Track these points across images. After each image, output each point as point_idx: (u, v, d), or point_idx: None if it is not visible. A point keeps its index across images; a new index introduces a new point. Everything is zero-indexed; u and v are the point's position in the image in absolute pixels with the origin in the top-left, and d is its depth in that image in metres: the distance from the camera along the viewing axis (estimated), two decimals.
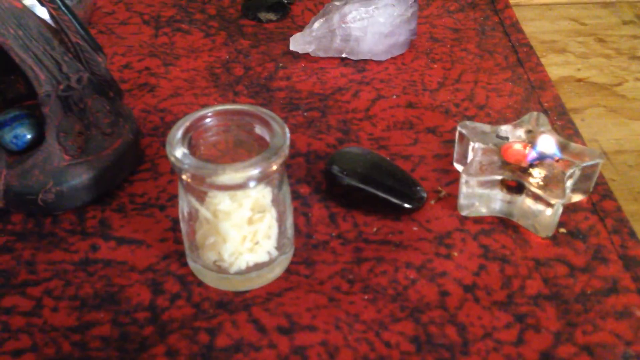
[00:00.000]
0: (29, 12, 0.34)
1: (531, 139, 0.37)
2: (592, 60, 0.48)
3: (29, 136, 0.36)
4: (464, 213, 0.37)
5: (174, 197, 0.37)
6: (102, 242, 0.35)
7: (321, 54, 0.49)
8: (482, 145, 0.37)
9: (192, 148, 0.31)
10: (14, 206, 0.36)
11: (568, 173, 0.35)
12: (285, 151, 0.30)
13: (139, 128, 0.40)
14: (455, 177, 0.38)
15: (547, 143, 0.36)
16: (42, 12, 0.36)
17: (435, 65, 0.48)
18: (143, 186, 0.38)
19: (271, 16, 0.53)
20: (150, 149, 0.41)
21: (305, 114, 0.44)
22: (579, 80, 0.47)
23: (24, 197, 0.35)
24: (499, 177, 0.35)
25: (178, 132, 0.30)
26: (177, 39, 0.51)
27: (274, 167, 0.30)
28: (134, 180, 0.38)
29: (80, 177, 0.35)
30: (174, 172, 0.38)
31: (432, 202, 0.37)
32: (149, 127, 0.42)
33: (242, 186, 0.29)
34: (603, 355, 0.29)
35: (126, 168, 0.38)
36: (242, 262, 0.32)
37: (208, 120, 0.31)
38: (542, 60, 0.48)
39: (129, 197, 0.37)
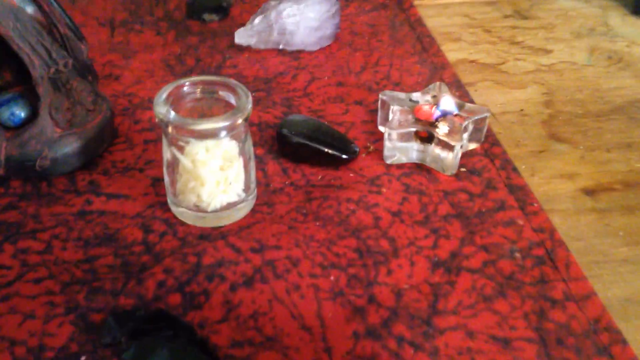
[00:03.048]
0: (22, 9, 0.40)
1: (436, 101, 0.47)
2: (481, 46, 0.60)
3: (23, 114, 0.42)
4: (388, 161, 0.46)
5: (149, 162, 0.44)
6: (94, 197, 0.41)
7: (261, 46, 0.57)
8: (399, 107, 0.46)
9: (174, 109, 0.38)
10: (14, 173, 0.41)
11: (464, 124, 0.45)
12: (248, 109, 0.38)
13: (113, 107, 0.47)
14: (380, 137, 0.48)
15: (448, 103, 0.46)
16: (30, 9, 0.42)
17: (357, 54, 0.58)
18: (121, 155, 0.45)
19: (213, 17, 0.61)
20: (123, 126, 0.48)
21: (253, 94, 0.52)
22: (472, 61, 0.58)
23: (24, 164, 0.41)
24: (413, 129, 0.45)
25: (162, 95, 0.37)
26: (132, 37, 0.58)
27: (239, 121, 0.38)
28: (113, 150, 0.45)
29: (71, 145, 0.42)
30: (151, 142, 0.45)
31: (364, 155, 0.47)
32: (119, 108, 0.49)
33: (215, 135, 0.37)
34: (495, 251, 0.39)
35: (106, 139, 0.45)
36: (217, 202, 0.40)
37: (185, 88, 0.39)
38: (442, 48, 0.59)
39: (111, 163, 0.44)
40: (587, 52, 0.59)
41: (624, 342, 0.33)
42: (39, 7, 0.41)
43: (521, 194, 0.43)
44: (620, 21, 0.63)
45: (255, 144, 0.46)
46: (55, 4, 0.40)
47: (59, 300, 0.35)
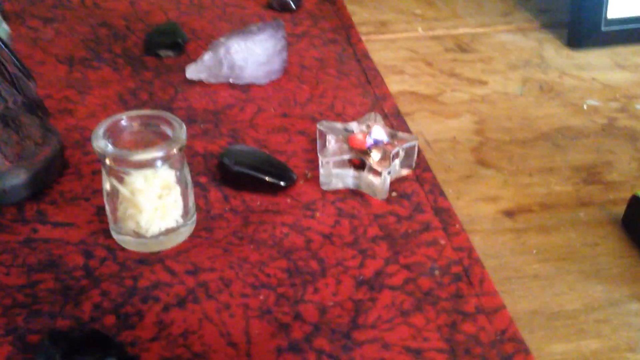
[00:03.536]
0: None
1: (369, 131, 0.50)
2: (422, 78, 0.63)
3: None
4: (324, 188, 0.49)
5: (95, 191, 0.47)
6: (40, 226, 0.44)
7: (212, 80, 0.60)
8: (334, 137, 0.49)
9: (113, 142, 0.41)
10: None
11: (394, 152, 0.48)
12: (183, 139, 0.41)
13: (63, 140, 0.50)
14: (318, 164, 0.51)
15: (379, 132, 0.49)
16: None
17: (304, 86, 0.61)
18: (70, 185, 0.47)
19: (169, 53, 0.64)
20: (73, 158, 0.50)
21: (202, 126, 0.55)
22: (412, 93, 0.61)
23: None
24: (347, 157, 0.48)
25: (100, 129, 0.40)
26: (89, 73, 0.61)
27: (175, 151, 0.40)
28: (62, 181, 0.48)
29: (19, 177, 0.44)
30: (99, 172, 0.48)
31: (301, 182, 0.49)
32: (71, 141, 0.52)
33: (152, 165, 0.40)
34: (417, 270, 0.42)
35: (55, 171, 0.47)
36: (155, 228, 0.42)
37: (122, 122, 0.42)
38: (385, 80, 0.62)
39: (59, 193, 0.46)
40: (520, 83, 0.62)
41: (526, 351, 0.35)
42: None
43: (445, 216, 0.46)
44: (555, 53, 0.68)
45: (199, 173, 0.49)
46: (3, 46, 0.43)
47: None
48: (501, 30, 0.72)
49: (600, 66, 0.65)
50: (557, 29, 0.71)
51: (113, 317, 0.37)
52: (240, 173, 0.48)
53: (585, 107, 0.59)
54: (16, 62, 0.44)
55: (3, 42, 0.44)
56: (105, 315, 0.37)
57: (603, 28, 0.66)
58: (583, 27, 0.66)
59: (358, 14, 0.75)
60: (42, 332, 0.36)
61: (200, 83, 0.60)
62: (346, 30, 0.70)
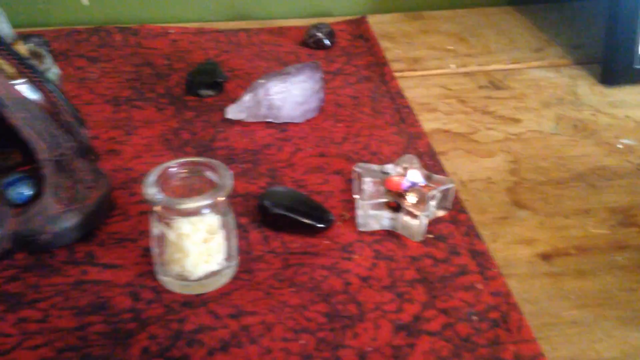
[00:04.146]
0: (31, 100, 0.46)
1: (406, 173, 0.51)
2: (455, 116, 0.64)
3: (29, 192, 0.47)
4: (361, 229, 0.50)
5: (141, 232, 0.49)
6: (90, 268, 0.46)
7: (251, 120, 0.62)
8: (371, 179, 0.51)
9: (162, 188, 0.43)
10: (19, 246, 0.46)
11: (430, 194, 0.49)
12: (229, 187, 0.42)
13: (111, 183, 0.52)
14: (355, 205, 0.52)
15: (415, 175, 0.50)
16: (38, 97, 0.48)
17: (340, 124, 0.63)
18: (117, 226, 0.49)
19: (209, 92, 0.67)
20: (121, 199, 0.52)
21: (241, 165, 0.57)
22: (445, 131, 0.62)
23: (28, 238, 0.45)
24: (384, 200, 0.49)
25: (151, 177, 0.42)
26: (134, 113, 0.63)
27: (221, 199, 0.42)
28: (110, 222, 0.50)
29: (71, 220, 0.46)
30: (145, 213, 0.50)
31: (339, 223, 0.50)
32: (118, 182, 0.54)
33: (198, 213, 0.42)
34: (455, 315, 0.42)
35: (104, 213, 0.49)
36: (200, 271, 0.44)
37: (172, 169, 0.43)
38: (419, 118, 0.63)
39: (107, 235, 0.49)
40: (554, 121, 0.63)
41: None
42: (47, 98, 0.47)
43: (482, 259, 0.47)
44: (588, 90, 0.68)
45: (239, 214, 0.51)
46: (60, 96, 0.46)
47: None
48: (534, 66, 0.73)
49: (634, 104, 0.65)
50: (591, 66, 0.72)
51: None
52: (280, 215, 0.49)
53: (620, 146, 0.59)
54: (71, 111, 0.47)
55: (59, 92, 0.46)
56: (153, 359, 0.39)
57: (636, 65, 0.66)
58: (616, 64, 0.67)
59: (391, 50, 0.76)
60: None
61: (239, 122, 0.62)
62: (380, 68, 0.72)
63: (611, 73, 0.67)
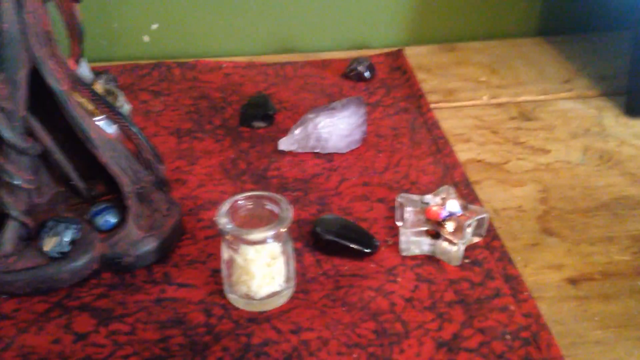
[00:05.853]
0: (116, 141, 0.53)
1: (444, 203, 0.57)
2: (488, 146, 0.69)
3: (113, 220, 0.54)
4: (403, 254, 0.56)
5: (210, 255, 0.55)
6: (167, 287, 0.52)
7: (300, 151, 0.68)
8: (412, 209, 0.56)
9: (231, 218, 0.49)
10: (106, 267, 0.53)
11: (467, 223, 0.54)
12: (289, 220, 0.48)
13: (182, 210, 0.59)
14: (397, 231, 0.57)
15: (453, 205, 0.56)
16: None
17: (381, 155, 0.68)
18: (188, 249, 0.56)
19: (261, 124, 0.73)
20: (189, 224, 0.59)
21: (293, 193, 0.63)
22: (479, 161, 0.67)
23: (113, 260, 0.52)
24: (424, 229, 0.55)
25: (223, 209, 0.49)
26: (195, 144, 0.70)
27: (282, 230, 0.48)
28: (182, 246, 0.56)
29: (150, 245, 0.53)
30: (210, 237, 0.56)
31: (383, 248, 0.56)
32: (186, 209, 0.60)
33: (263, 242, 0.48)
34: (490, 333, 0.48)
35: (176, 238, 0.56)
36: (263, 292, 0.50)
37: (240, 201, 0.50)
38: (454, 148, 0.69)
39: (180, 257, 0.55)
40: (581, 151, 0.68)
41: None
42: (128, 137, 0.54)
43: (514, 283, 0.52)
44: (614, 121, 0.72)
45: (294, 239, 0.57)
46: (142, 137, 0.53)
47: None
48: (562, 97, 0.77)
49: None
50: (617, 97, 0.76)
51: None
52: (330, 241, 0.55)
53: None
54: (150, 148, 0.54)
55: (140, 132, 0.53)
56: None
57: None
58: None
59: (426, 82, 0.82)
60: None
61: (289, 152, 0.68)
62: (417, 99, 0.77)
63: (635, 105, 0.72)
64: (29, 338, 0.48)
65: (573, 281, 0.52)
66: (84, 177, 0.55)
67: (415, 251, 0.55)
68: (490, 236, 0.57)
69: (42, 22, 0.46)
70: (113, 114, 0.53)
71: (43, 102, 0.50)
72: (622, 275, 0.52)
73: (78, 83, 0.50)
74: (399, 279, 0.53)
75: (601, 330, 0.48)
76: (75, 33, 0.51)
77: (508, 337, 0.47)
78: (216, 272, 0.53)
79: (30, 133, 0.51)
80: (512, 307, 0.50)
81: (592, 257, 0.54)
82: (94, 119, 0.54)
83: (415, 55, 0.88)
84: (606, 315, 0.49)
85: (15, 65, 0.46)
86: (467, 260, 0.54)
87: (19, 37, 0.45)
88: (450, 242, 0.54)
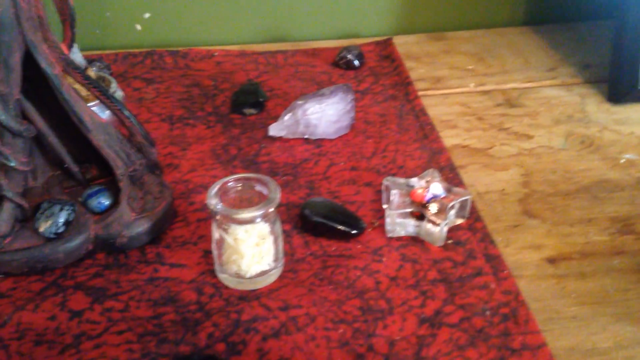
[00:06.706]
0: (109, 124, 0.54)
1: (428, 186, 0.59)
2: (474, 132, 0.71)
3: (107, 202, 0.55)
4: (389, 235, 0.57)
5: (201, 237, 0.57)
6: (160, 266, 0.54)
7: (290, 137, 0.70)
8: (398, 191, 0.58)
9: (221, 199, 0.51)
10: (100, 248, 0.54)
11: (449, 205, 0.56)
12: (277, 200, 0.50)
13: (173, 193, 0.60)
14: (384, 214, 0.59)
15: (437, 188, 0.57)
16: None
17: (369, 140, 0.70)
18: (180, 231, 0.58)
19: (252, 111, 0.75)
20: (181, 207, 0.60)
21: (282, 178, 0.64)
22: (464, 146, 0.69)
23: (107, 241, 0.54)
24: (409, 210, 0.56)
25: (213, 190, 0.50)
26: (187, 130, 0.71)
27: (271, 210, 0.50)
28: (174, 228, 0.58)
29: (143, 226, 0.55)
30: (202, 220, 0.58)
31: (370, 229, 0.58)
32: (178, 193, 0.62)
33: (252, 221, 0.50)
34: (470, 310, 0.50)
35: (169, 220, 0.57)
36: (253, 271, 0.51)
37: (230, 183, 0.51)
38: (441, 134, 0.70)
39: (172, 238, 0.57)
40: (563, 137, 0.69)
41: None
42: (121, 121, 0.55)
43: (495, 263, 0.54)
44: (596, 108, 0.74)
45: (283, 221, 0.58)
46: (134, 121, 0.54)
47: (135, 347, 0.47)
48: (547, 85, 0.79)
49: (638, 121, 0.71)
50: (600, 85, 0.78)
51: (223, 344, 0.47)
52: (318, 222, 0.57)
53: (622, 160, 0.65)
54: (142, 132, 0.55)
55: (133, 116, 0.54)
56: (217, 343, 0.47)
57: None
58: (621, 84, 0.73)
59: (415, 70, 0.83)
60: (169, 356, 0.46)
61: (279, 138, 0.70)
62: (405, 87, 0.79)
63: (617, 92, 0.74)
64: (26, 315, 0.49)
65: (552, 260, 0.54)
66: (78, 161, 0.57)
67: (401, 233, 0.57)
68: (473, 218, 0.58)
69: (35, 6, 0.47)
70: (105, 97, 0.54)
71: (37, 86, 0.51)
72: (600, 254, 0.54)
73: (71, 67, 0.52)
74: (384, 259, 0.55)
75: (577, 306, 0.50)
76: (67, 17, 0.53)
77: (488, 313, 0.49)
78: (207, 253, 0.55)
79: (24, 117, 0.52)
80: (493, 285, 0.52)
81: (571, 238, 0.56)
82: (88, 104, 0.55)
83: (404, 44, 0.89)
84: (582, 292, 0.51)
85: (9, 49, 0.47)
86: (450, 241, 0.56)
87: (14, 21, 0.46)
88: (434, 223, 0.55)
